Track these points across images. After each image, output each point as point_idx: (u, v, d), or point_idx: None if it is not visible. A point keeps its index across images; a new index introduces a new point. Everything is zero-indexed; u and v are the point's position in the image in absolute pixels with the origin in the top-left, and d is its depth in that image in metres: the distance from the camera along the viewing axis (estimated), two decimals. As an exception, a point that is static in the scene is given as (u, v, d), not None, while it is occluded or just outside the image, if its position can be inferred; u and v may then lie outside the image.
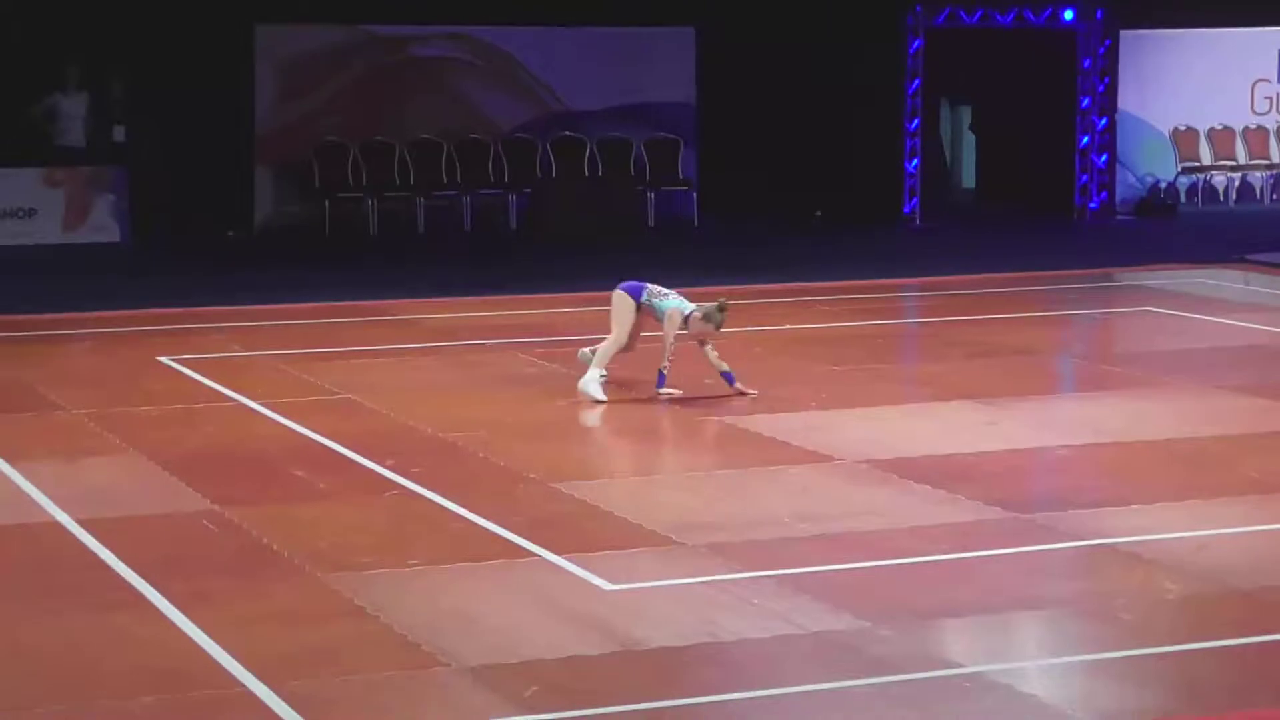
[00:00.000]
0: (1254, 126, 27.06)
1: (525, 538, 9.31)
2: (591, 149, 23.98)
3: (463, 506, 9.94)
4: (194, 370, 13.92)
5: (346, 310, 16.92)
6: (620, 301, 13.03)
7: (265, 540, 9.35)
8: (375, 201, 22.93)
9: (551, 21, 23.64)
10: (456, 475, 10.70)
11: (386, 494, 10.34)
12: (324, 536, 9.44)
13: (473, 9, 23.25)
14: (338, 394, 13.08)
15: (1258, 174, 27.05)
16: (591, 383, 12.69)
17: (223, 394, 13.07)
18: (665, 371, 12.72)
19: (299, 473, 10.80)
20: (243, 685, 7.33)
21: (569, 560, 8.93)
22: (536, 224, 22.52)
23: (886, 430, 11.91)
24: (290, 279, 18.79)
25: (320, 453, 11.32)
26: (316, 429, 11.85)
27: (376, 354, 14.87)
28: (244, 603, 8.39)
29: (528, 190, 23.19)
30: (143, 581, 8.64)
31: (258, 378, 13.66)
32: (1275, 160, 27.08)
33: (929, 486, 10.43)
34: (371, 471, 10.80)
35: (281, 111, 22.97)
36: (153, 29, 22.05)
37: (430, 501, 10.12)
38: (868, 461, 10.98)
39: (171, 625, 8.06)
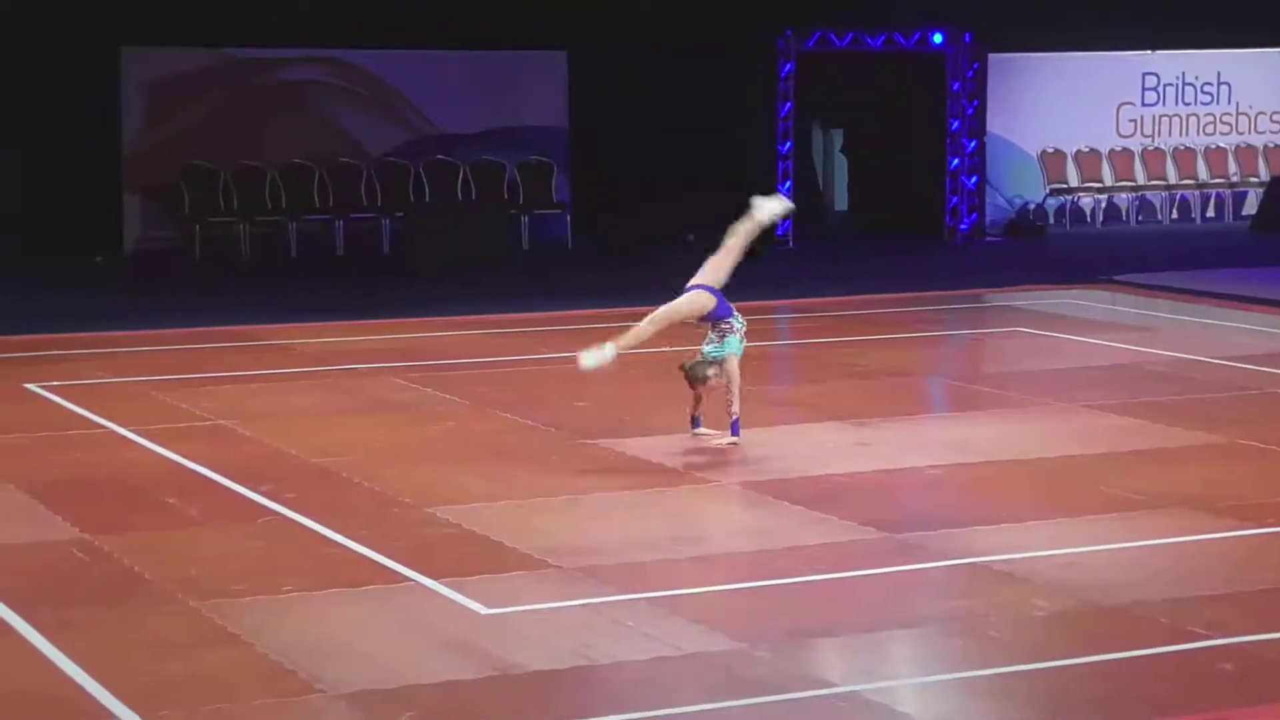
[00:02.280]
0: (1119, 149, 27.48)
1: (400, 563, 9.27)
2: (464, 173, 23.96)
3: (337, 532, 9.88)
4: (63, 397, 13.77)
5: (218, 335, 16.80)
6: (694, 299, 12.04)
7: (136, 568, 9.25)
8: (246, 226, 22.78)
9: (423, 45, 23.61)
10: (330, 501, 10.64)
11: (259, 520, 10.26)
12: (196, 564, 9.35)
13: (344, 32, 23.18)
14: (209, 420, 12.98)
15: (1123, 195, 27.45)
16: (599, 352, 11.76)
17: (92, 421, 12.93)
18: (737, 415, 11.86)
19: (170, 500, 10.70)
20: (114, 715, 7.24)
21: (444, 585, 8.90)
22: (409, 248, 22.46)
23: (761, 452, 11.96)
24: (160, 304, 18.64)
25: (192, 479, 11.22)
26: (188, 455, 11.75)
27: (249, 380, 14.77)
28: (115, 631, 8.30)
29: (400, 214, 23.12)
30: (10, 611, 8.52)
31: (128, 404, 13.53)
32: (1140, 182, 27.51)
33: (803, 507, 10.48)
34: (244, 498, 10.72)
35: (149, 135, 22.79)
36: (17, 52, 21.80)
37: (304, 527, 10.06)
38: (742, 483, 11.03)
39: (40, 655, 7.95)
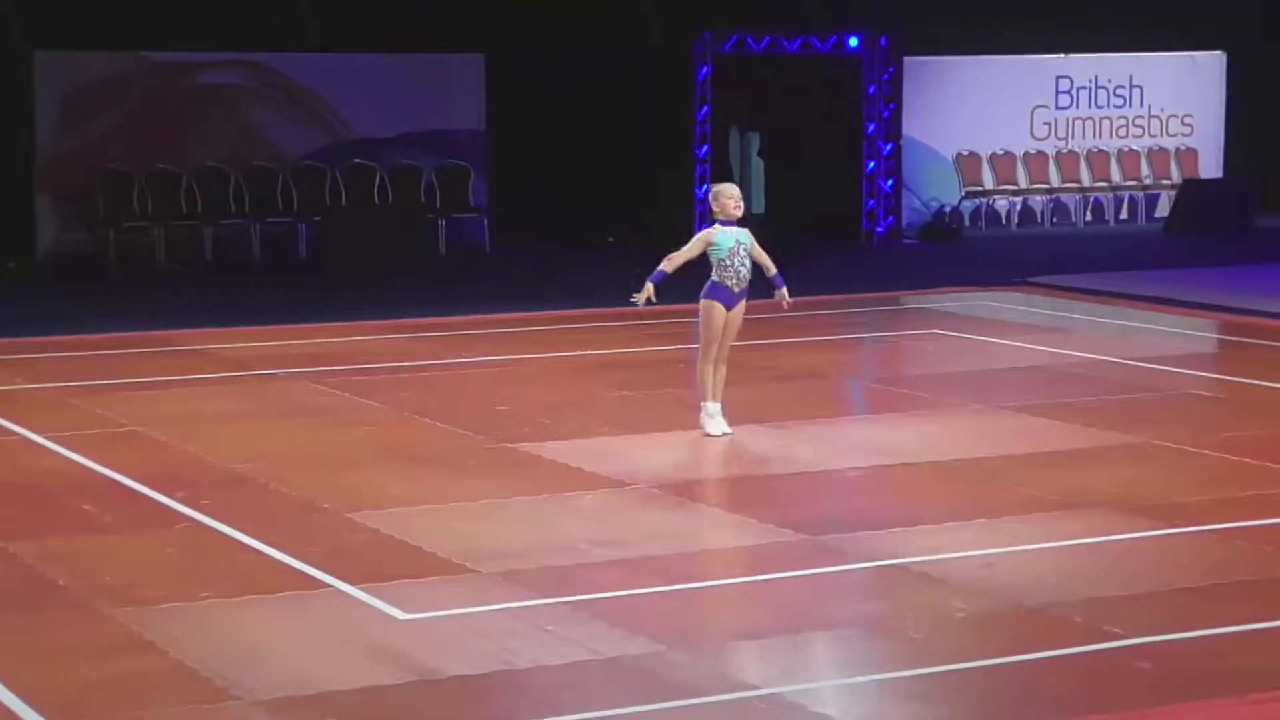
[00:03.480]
0: (1034, 151, 27.67)
1: (318, 568, 9.23)
2: (381, 176, 23.87)
3: (254, 538, 9.82)
4: (-25, 404, 13.63)
5: (133, 341, 16.68)
6: (705, 309, 12.40)
7: (50, 575, 9.17)
8: (162, 230, 22.63)
9: (341, 48, 23.52)
10: (248, 507, 10.57)
11: (175, 527, 10.19)
12: (111, 570, 9.28)
13: (260, 36, 23.06)
14: (125, 426, 12.88)
15: (1038, 198, 27.64)
16: (706, 419, 12.40)
17: (5, 428, 12.81)
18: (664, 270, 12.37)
19: (86, 507, 10.61)
20: (29, 725, 7.18)
21: (363, 590, 8.86)
22: (327, 252, 22.35)
23: (679, 455, 11.98)
24: (75, 310, 18.48)
25: (107, 486, 11.13)
26: (103, 462, 11.65)
27: (165, 385, 14.66)
28: (29, 639, 8.22)
29: (317, 218, 23.01)
30: (-76, 621, 8.44)
31: (42, 411, 13.41)
32: (1054, 184, 27.70)
33: (722, 510, 10.50)
34: (160, 504, 10.64)
35: (63, 140, 22.61)
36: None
37: (221, 534, 9.99)
38: (661, 486, 11.03)
39: (-46, 665, 7.87)
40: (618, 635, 8.24)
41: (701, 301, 12.36)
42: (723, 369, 12.41)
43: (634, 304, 12.50)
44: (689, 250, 12.29)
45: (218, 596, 8.82)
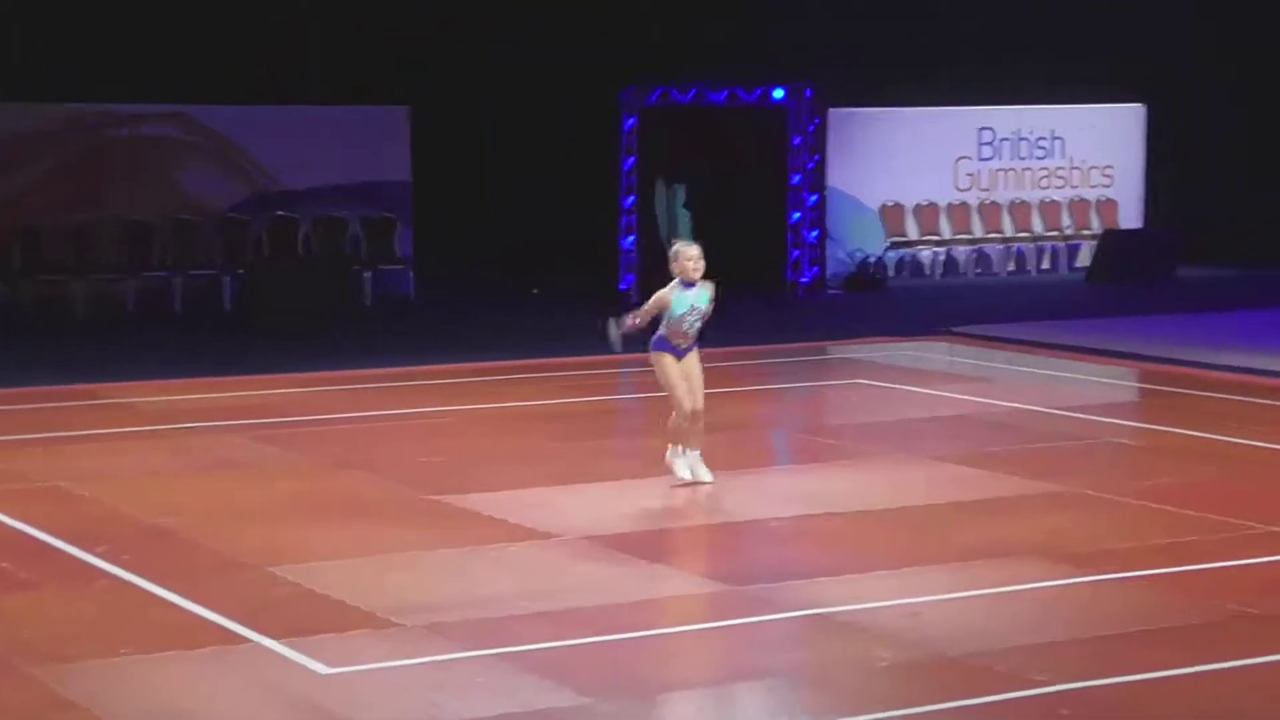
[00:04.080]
0: (957, 203, 27.85)
1: (241, 623, 9.16)
2: (306, 228, 23.81)
3: (175, 593, 9.74)
4: (-106, 459, 13.49)
5: (53, 394, 16.53)
6: (655, 361, 12.46)
7: (-31, 633, 9.07)
8: (83, 283, 22.48)
9: (265, 100, 23.47)
10: (169, 562, 10.49)
11: (96, 583, 10.09)
12: (29, 627, 9.18)
13: (183, 88, 23.00)
14: (44, 481, 12.75)
15: (961, 249, 27.81)
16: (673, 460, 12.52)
17: (-76, 483, 12.67)
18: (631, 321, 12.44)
19: (3, 564, 10.49)
20: (-54, 784, 7.09)
21: (285, 645, 8.80)
22: (251, 305, 22.25)
23: (607, 506, 11.96)
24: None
25: (25, 542, 11.02)
26: (21, 518, 11.53)
27: (85, 439, 14.54)
28: (-53, 698, 8.13)
29: (241, 270, 22.92)
30: None
31: (-39, 465, 13.28)
32: (977, 235, 27.88)
33: (649, 561, 10.49)
34: (80, 560, 10.54)
35: (-16, 192, 22.45)
36: None
37: (142, 589, 9.90)
38: (588, 538, 11.01)
39: None
40: (545, 687, 8.21)
41: (651, 355, 12.39)
42: (697, 421, 12.41)
43: (611, 344, 12.60)
44: (648, 310, 12.37)
45: (139, 653, 8.74)
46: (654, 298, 12.35)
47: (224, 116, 23.53)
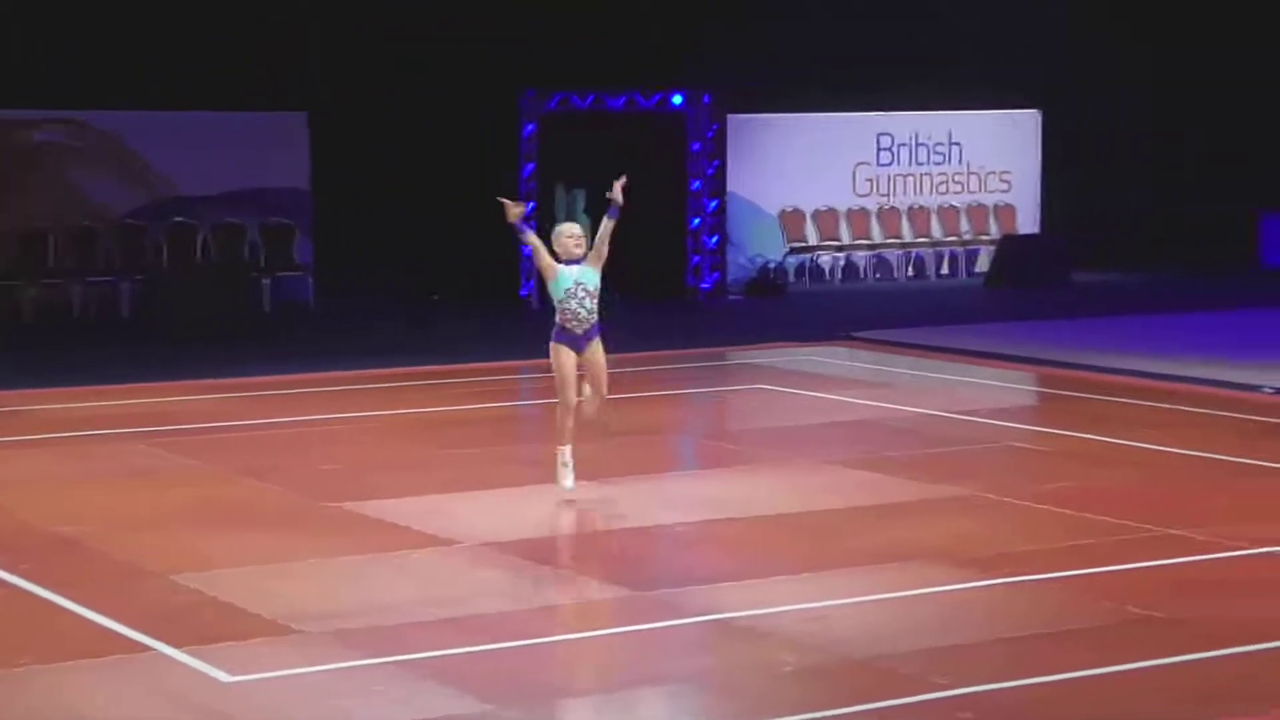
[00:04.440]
0: (857, 208, 27.99)
1: (142, 631, 9.09)
2: (204, 235, 23.65)
3: (76, 602, 9.66)
4: None
5: (-51, 403, 16.36)
6: (551, 354, 12.21)
7: None
8: (-21, 290, 22.25)
9: (162, 106, 23.29)
10: (69, 570, 10.39)
11: (-6, 592, 10.00)
12: (-72, 638, 9.08)
13: (79, 94, 22.78)
14: (-59, 490, 12.62)
15: (861, 254, 27.95)
16: (560, 467, 12.22)
17: None
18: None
19: (-100, 573, 10.38)
20: None
21: (187, 653, 8.74)
22: (150, 311, 22.07)
23: (507, 512, 11.95)
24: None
25: (-77, 551, 10.89)
26: (-81, 527, 11.41)
27: (-18, 447, 14.39)
28: None
29: (139, 278, 22.73)
30: None
31: None
32: (877, 240, 28.03)
33: (550, 567, 10.49)
34: (-22, 569, 10.43)
35: (-123, 199, 22.16)
36: None
37: (41, 599, 9.81)
38: (489, 544, 10.99)
39: None
40: (447, 694, 8.20)
41: (550, 346, 12.21)
42: (609, 409, 12.45)
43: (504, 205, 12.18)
44: (542, 256, 12.08)
45: (39, 663, 8.66)
46: (548, 258, 12.06)
47: (118, 122, 23.32)
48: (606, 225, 12.13)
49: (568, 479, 12.12)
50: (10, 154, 22.89)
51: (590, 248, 12.10)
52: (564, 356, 12.10)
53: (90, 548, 10.95)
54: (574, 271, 12.05)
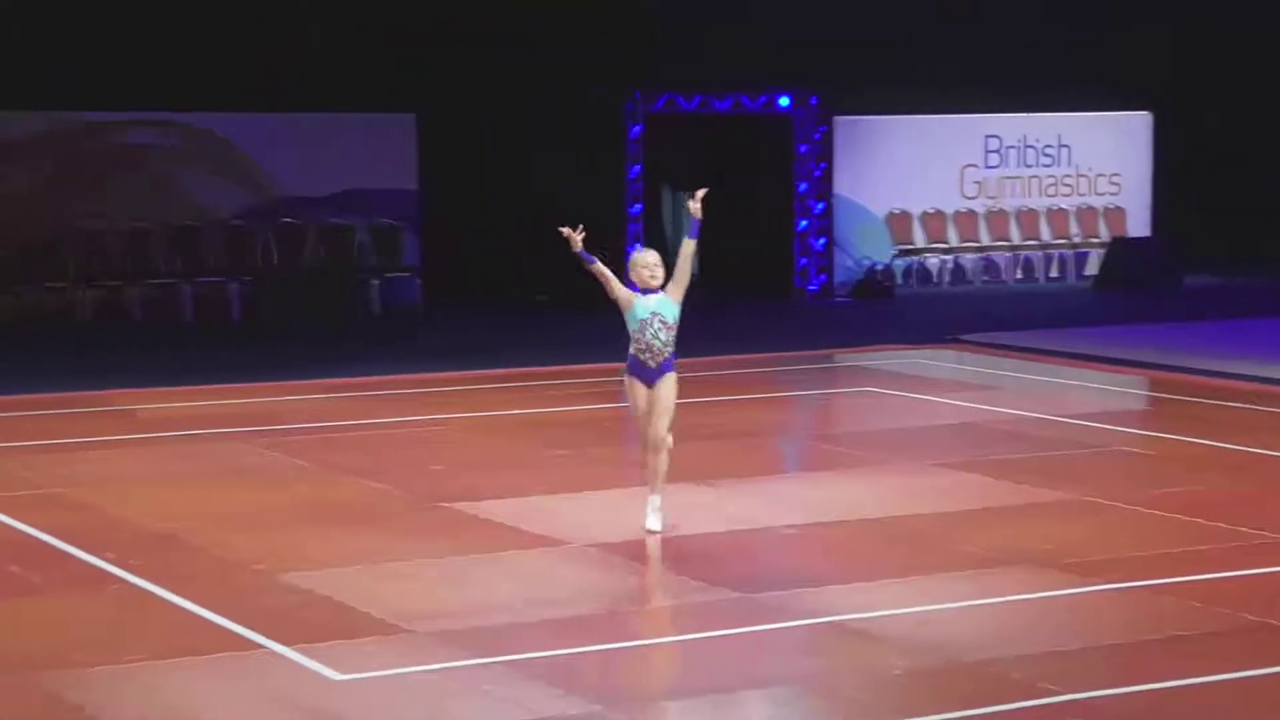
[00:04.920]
0: (964, 210, 27.83)
1: (251, 629, 9.15)
2: (313, 236, 23.80)
3: (186, 599, 9.74)
4: (-99, 465, 13.49)
5: (61, 401, 16.54)
6: (627, 388, 11.40)
7: (-22, 639, 9.06)
8: (87, 290, 22.48)
9: (271, 108, 23.46)
10: (179, 568, 10.48)
11: (106, 589, 10.09)
12: (39, 634, 9.17)
13: (189, 95, 22.99)
14: (54, 487, 12.76)
15: (969, 256, 27.78)
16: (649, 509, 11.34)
17: (-68, 489, 12.68)
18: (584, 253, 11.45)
19: (13, 569, 10.49)
20: (-44, 791, 7.08)
21: (296, 651, 8.79)
22: (258, 312, 22.25)
23: (614, 513, 11.94)
24: (1, 370, 18.32)
25: (36, 547, 11.01)
26: (31, 523, 11.53)
27: (94, 446, 14.54)
28: (-44, 705, 8.12)
29: (249, 278, 22.91)
30: None
31: (-31, 472, 13.28)
32: (985, 243, 27.86)
33: (657, 568, 10.47)
34: (90, 565, 10.54)
35: (-13, 200, 22.45)
36: None
37: (152, 595, 9.90)
38: (595, 545, 10.99)
39: (-121, 731, 7.76)
40: (553, 695, 8.20)
41: (624, 380, 11.43)
42: (663, 455, 11.29)
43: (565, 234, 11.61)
44: (614, 287, 11.40)
45: (148, 659, 8.73)
46: (618, 285, 11.38)
47: (228, 124, 23.52)
48: (687, 246, 11.37)
49: (652, 522, 11.28)
50: (117, 156, 23.13)
51: (669, 276, 11.32)
52: (637, 392, 11.27)
53: (198, 546, 11.04)
54: (651, 301, 11.26)
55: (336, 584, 10.09)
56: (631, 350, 11.29)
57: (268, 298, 22.30)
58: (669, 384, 11.27)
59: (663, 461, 11.30)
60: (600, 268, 11.40)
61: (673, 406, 11.31)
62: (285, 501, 12.41)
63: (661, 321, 11.22)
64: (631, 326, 11.29)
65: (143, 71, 22.77)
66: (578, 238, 11.56)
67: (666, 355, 11.23)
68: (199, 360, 19.31)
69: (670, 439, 11.33)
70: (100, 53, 22.60)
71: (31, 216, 22.50)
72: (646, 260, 11.45)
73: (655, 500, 11.29)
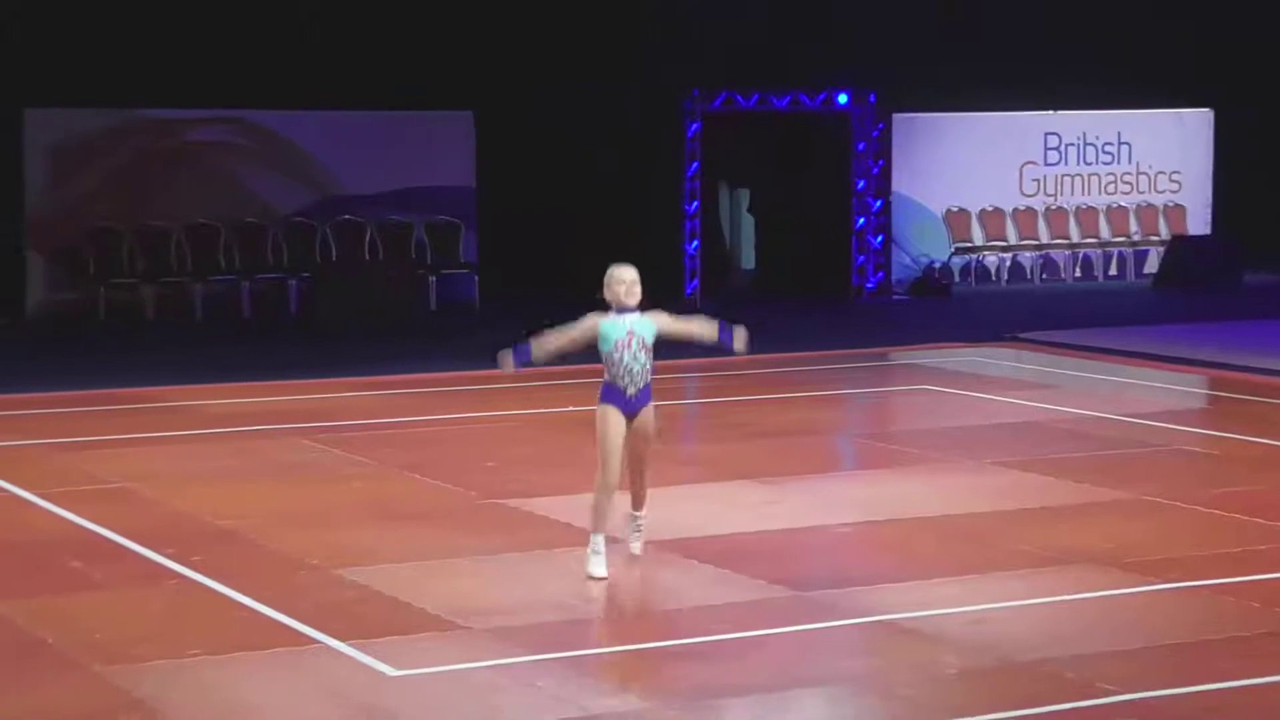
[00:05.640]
0: (1023, 208, 27.73)
1: (308, 624, 9.19)
2: (371, 233, 23.89)
3: (244, 594, 9.79)
4: (-36, 460, 13.60)
5: (123, 397, 16.65)
6: (598, 414, 10.23)
7: (39, 633, 9.13)
8: (151, 286, 22.63)
9: (329, 105, 23.57)
10: (237, 563, 10.54)
11: (165, 584, 10.16)
12: (100, 628, 9.24)
13: (248, 93, 23.11)
14: (115, 483, 12.84)
15: (1027, 254, 27.68)
16: (590, 554, 10.20)
17: (-6, 484, 12.78)
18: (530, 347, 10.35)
19: (75, 564, 10.57)
20: (15, 783, 7.14)
21: (352, 647, 8.83)
22: (316, 309, 22.36)
23: (668, 511, 11.92)
24: (64, 366, 18.47)
25: (97, 543, 11.10)
26: (93, 519, 11.62)
27: (154, 442, 14.63)
28: (15, 698, 8.18)
29: (307, 275, 23.03)
30: (-90, 679, 8.40)
31: (31, 467, 13.37)
32: (1044, 241, 27.75)
33: (712, 566, 10.47)
34: (150, 561, 10.61)
35: (53, 196, 22.63)
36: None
37: (210, 590, 9.96)
38: (650, 542, 10.99)
39: (-60, 723, 7.83)
40: (606, 691, 8.21)
41: (597, 407, 10.24)
42: (641, 482, 10.43)
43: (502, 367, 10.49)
44: (568, 333, 10.28)
45: (207, 654, 8.78)
46: (580, 321, 10.24)
47: (289, 121, 23.64)
48: (704, 330, 10.47)
49: (599, 567, 10.11)
50: (178, 152, 23.27)
51: (649, 304, 10.22)
52: (612, 422, 10.10)
53: (255, 541, 11.10)
54: (626, 320, 10.15)
55: (392, 580, 10.13)
56: (606, 377, 10.18)
57: (326, 294, 22.40)
58: (651, 417, 10.23)
59: (644, 485, 10.45)
60: (548, 342, 10.32)
61: (654, 439, 10.34)
62: (342, 498, 12.47)
63: (640, 342, 10.13)
64: (604, 348, 10.15)
65: (208, 70, 22.89)
66: (507, 364, 10.43)
67: (647, 381, 10.17)
68: (258, 357, 19.41)
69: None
70: (167, 51, 22.74)
71: (99, 213, 22.65)
72: (624, 276, 10.24)
73: (639, 520, 10.52)
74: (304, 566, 10.48)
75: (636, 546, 10.59)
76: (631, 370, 10.09)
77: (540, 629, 9.18)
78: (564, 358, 10.57)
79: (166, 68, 22.71)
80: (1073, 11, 26.93)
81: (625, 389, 10.09)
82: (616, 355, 10.08)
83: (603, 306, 10.22)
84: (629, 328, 10.13)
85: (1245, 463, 13.75)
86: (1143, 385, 17.66)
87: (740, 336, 10.52)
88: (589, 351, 10.23)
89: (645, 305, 10.27)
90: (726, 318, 10.86)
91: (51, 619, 9.38)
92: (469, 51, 24.09)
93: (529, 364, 10.35)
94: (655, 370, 10.27)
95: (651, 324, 10.20)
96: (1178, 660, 8.67)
